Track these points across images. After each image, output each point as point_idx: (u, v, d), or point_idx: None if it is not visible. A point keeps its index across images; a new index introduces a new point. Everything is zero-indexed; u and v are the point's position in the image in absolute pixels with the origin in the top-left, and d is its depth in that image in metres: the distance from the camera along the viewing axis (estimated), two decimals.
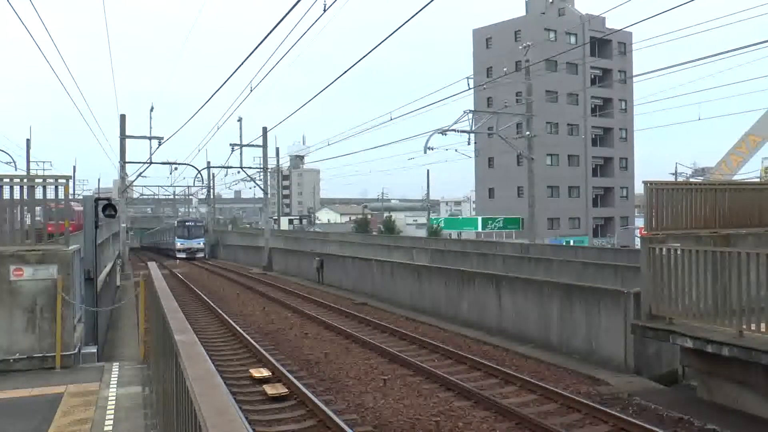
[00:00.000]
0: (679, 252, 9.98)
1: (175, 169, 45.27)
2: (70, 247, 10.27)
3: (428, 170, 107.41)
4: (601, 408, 9.20)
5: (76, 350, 9.90)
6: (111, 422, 7.01)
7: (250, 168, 44.82)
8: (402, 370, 12.07)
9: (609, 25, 60.13)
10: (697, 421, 8.83)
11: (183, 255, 53.75)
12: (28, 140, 50.29)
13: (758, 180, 45.35)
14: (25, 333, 9.50)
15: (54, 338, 9.51)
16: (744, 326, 8.85)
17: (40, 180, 10.84)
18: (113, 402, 7.81)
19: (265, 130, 42.48)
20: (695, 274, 9.64)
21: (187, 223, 57.29)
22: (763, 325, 8.66)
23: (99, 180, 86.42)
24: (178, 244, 54.47)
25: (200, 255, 54.52)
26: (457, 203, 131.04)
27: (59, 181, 10.38)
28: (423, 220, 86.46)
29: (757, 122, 47.62)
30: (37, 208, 10.70)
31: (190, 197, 74.83)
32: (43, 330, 9.54)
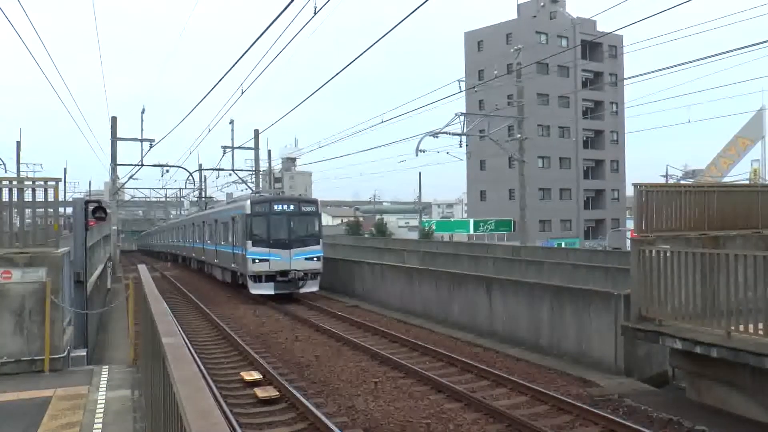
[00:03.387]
0: (668, 254, 10.04)
1: (167, 171, 44.27)
2: (60, 250, 10.21)
3: (420, 173, 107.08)
4: (592, 409, 9.23)
5: (65, 353, 9.84)
6: (99, 426, 6.97)
7: (242, 170, 44.64)
8: (393, 372, 12.07)
9: (600, 28, 60.42)
10: (687, 422, 8.87)
11: (267, 288, 22.38)
12: (18, 142, 50.01)
13: (747, 182, 45.67)
14: (13, 336, 9.43)
15: (43, 341, 9.46)
16: (732, 327, 8.90)
17: (30, 182, 10.80)
18: (102, 405, 7.77)
19: (256, 132, 42.47)
20: (684, 275, 9.69)
21: (276, 207, 22.99)
22: (750, 327, 8.72)
23: (90, 182, 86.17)
24: (254, 261, 22.29)
25: (312, 288, 23.09)
26: (449, 205, 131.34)
27: (49, 183, 10.33)
28: (415, 222, 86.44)
29: (746, 125, 48.04)
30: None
31: (182, 200, 74.43)
32: (32, 333, 9.48)
